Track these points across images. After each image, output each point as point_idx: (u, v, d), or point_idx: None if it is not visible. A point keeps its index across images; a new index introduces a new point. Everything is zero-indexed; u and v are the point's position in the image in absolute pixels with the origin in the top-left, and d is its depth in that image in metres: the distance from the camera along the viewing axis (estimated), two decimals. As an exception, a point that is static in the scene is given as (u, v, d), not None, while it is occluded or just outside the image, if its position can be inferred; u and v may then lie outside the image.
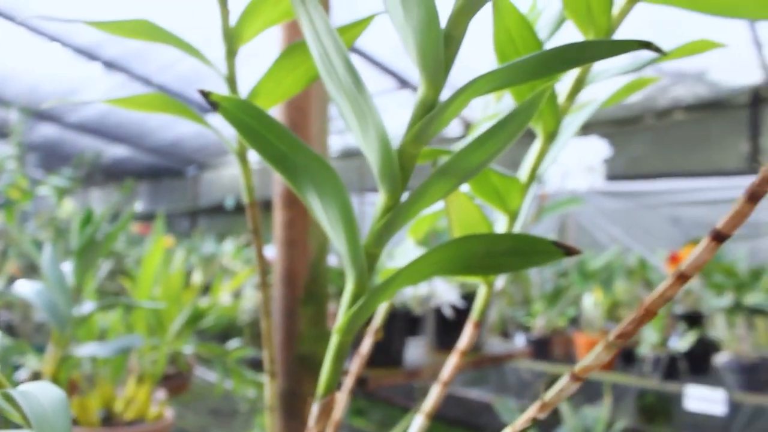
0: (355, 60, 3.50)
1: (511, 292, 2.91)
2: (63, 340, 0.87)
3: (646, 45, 0.26)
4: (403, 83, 3.87)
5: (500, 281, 1.26)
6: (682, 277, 0.24)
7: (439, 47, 0.25)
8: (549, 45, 0.49)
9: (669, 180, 4.06)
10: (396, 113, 4.72)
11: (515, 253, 0.30)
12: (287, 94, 0.38)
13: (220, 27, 0.38)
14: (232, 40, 0.38)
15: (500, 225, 0.40)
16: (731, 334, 2.17)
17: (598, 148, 1.31)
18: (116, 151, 6.67)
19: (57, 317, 0.82)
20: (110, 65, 4.14)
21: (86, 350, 0.86)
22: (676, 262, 2.27)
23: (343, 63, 0.26)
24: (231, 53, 0.38)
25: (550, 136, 0.37)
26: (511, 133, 0.28)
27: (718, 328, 2.28)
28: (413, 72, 3.45)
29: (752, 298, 2.15)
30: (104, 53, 3.96)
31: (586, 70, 0.36)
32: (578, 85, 0.36)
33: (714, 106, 4.13)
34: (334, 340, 0.33)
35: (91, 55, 3.99)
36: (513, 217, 0.39)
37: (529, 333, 2.68)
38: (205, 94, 0.29)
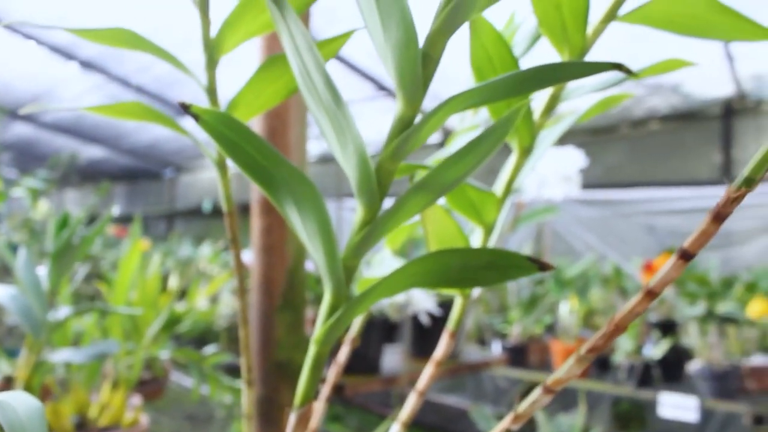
0: (335, 66, 3.51)
1: (488, 299, 2.93)
2: (37, 346, 0.86)
3: (618, 66, 0.27)
4: (382, 89, 3.88)
5: (477, 290, 1.27)
6: (651, 294, 0.25)
7: (417, 66, 0.25)
8: (527, 59, 0.50)
9: (644, 189, 4.11)
10: (375, 119, 4.73)
11: (491, 267, 0.30)
12: (267, 105, 0.39)
13: (201, 37, 0.38)
14: (213, 50, 0.38)
15: (476, 237, 0.40)
16: (703, 342, 2.20)
17: (575, 158, 1.33)
18: (92, 152, 6.59)
19: (31, 322, 0.81)
20: (87, 65, 4.10)
21: (61, 356, 0.85)
22: (650, 271, 2.30)
23: (322, 79, 0.27)
24: (211, 63, 0.38)
25: (526, 151, 0.38)
26: (486, 150, 0.28)
27: (691, 336, 2.32)
28: (393, 78, 3.45)
29: (724, 307, 2.19)
30: (81, 53, 3.92)
31: (560, 87, 0.37)
32: (553, 102, 0.37)
33: (688, 117, 4.20)
34: (311, 351, 0.33)
35: (67, 55, 3.95)
36: (489, 229, 0.40)
37: (505, 340, 2.70)
38: (186, 107, 0.29)
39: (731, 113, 4.04)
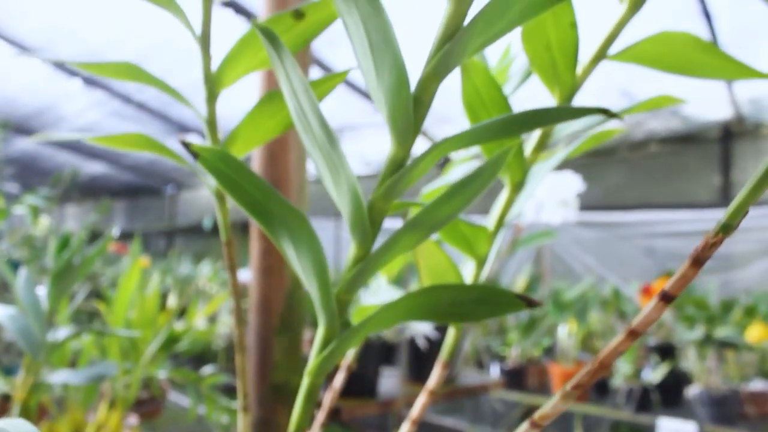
0: (340, 89, 3.53)
1: (486, 321, 2.93)
2: (35, 366, 0.86)
3: (603, 111, 0.28)
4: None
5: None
6: (634, 334, 0.26)
7: (409, 110, 0.26)
8: (521, 91, 0.51)
9: (643, 211, 4.12)
10: (379, 141, 4.76)
11: (481, 303, 0.31)
12: (265, 138, 0.40)
13: (202, 72, 0.39)
14: (213, 84, 0.39)
15: (469, 269, 0.41)
16: (702, 367, 2.20)
17: (572, 182, 1.33)
18: (94, 168, 6.62)
19: (30, 343, 0.82)
20: (90, 82, 4.13)
21: (59, 377, 0.85)
22: (649, 295, 2.30)
23: (317, 120, 0.28)
24: (212, 97, 0.39)
25: (517, 186, 0.39)
26: (476, 190, 0.29)
27: (689, 361, 2.32)
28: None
29: (722, 331, 2.18)
30: (84, 69, 3.95)
31: (550, 127, 0.38)
32: (544, 139, 0.38)
33: (687, 140, 4.22)
34: (305, 382, 0.34)
35: (70, 71, 3.98)
36: (481, 262, 0.41)
37: (503, 363, 2.69)
38: (186, 145, 0.30)
39: (730, 136, 4.07)
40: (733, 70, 0.41)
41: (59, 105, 4.65)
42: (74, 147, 5.87)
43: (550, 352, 2.78)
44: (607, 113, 0.28)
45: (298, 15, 0.34)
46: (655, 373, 2.30)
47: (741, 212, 0.23)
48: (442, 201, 0.29)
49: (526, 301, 0.30)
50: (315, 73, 3.40)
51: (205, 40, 0.38)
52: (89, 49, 3.65)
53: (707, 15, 2.78)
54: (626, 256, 4.07)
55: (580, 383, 0.27)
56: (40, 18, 3.34)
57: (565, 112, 0.29)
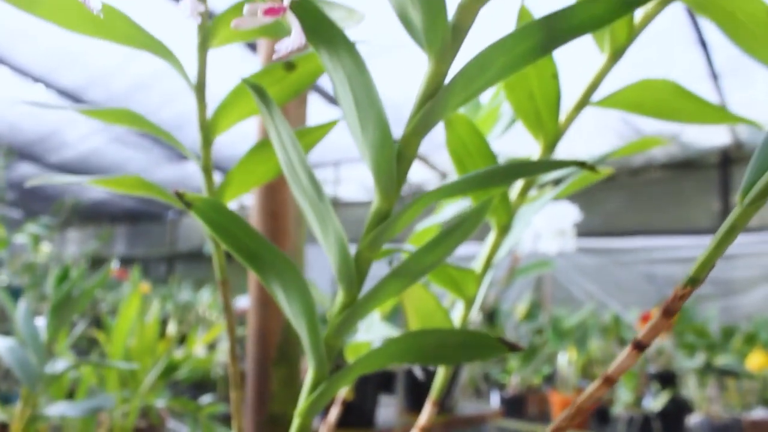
0: (334, 112, 3.55)
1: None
2: (33, 398, 0.87)
3: (580, 164, 0.29)
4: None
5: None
6: (609, 380, 0.27)
7: (392, 164, 0.28)
8: (511, 131, 0.52)
9: (643, 237, 4.13)
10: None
11: (464, 346, 0.32)
12: (259, 182, 0.41)
13: (197, 119, 0.40)
14: (208, 132, 0.40)
15: (458, 310, 0.42)
16: (702, 395, 2.19)
17: (569, 212, 1.35)
18: (95, 193, 6.64)
19: (28, 376, 0.82)
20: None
21: (56, 409, 0.85)
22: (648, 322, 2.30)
23: (305, 173, 0.29)
24: (207, 144, 0.41)
25: (504, 229, 0.40)
26: (459, 238, 0.31)
27: (690, 389, 2.31)
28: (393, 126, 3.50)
29: (723, 359, 2.18)
30: (88, 96, 3.99)
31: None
32: (529, 184, 0.39)
33: (686, 166, 4.24)
34: (296, 422, 0.35)
35: (74, 98, 4.02)
36: (470, 302, 0.42)
37: (504, 391, 2.68)
38: (180, 195, 0.31)
39: (728, 162, 4.09)
40: (712, 114, 0.43)
41: (62, 131, 4.69)
42: (77, 172, 5.90)
43: (550, 379, 2.77)
44: (584, 166, 0.29)
45: (290, 66, 0.35)
46: (655, 402, 2.29)
47: (707, 267, 0.24)
48: (426, 250, 0.30)
49: (507, 345, 0.31)
50: (315, 100, 3.43)
51: (200, 89, 0.39)
52: (92, 76, 3.69)
53: (703, 43, 2.82)
54: (627, 282, 4.07)
55: (559, 427, 0.28)
56: (44, 44, 3.38)
57: (545, 165, 0.30)
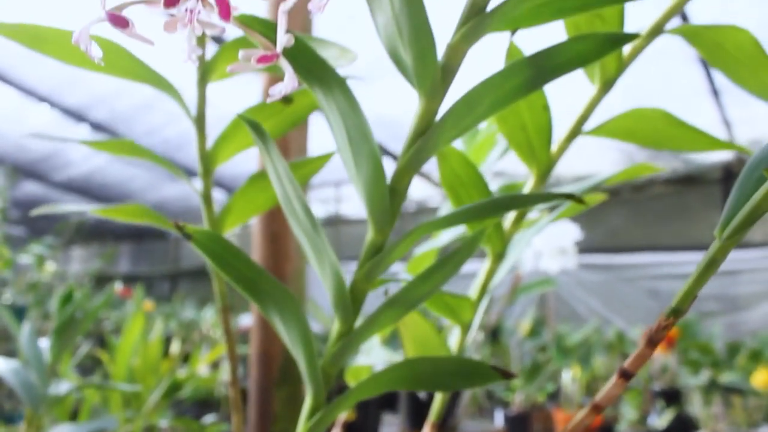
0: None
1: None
2: (36, 420, 0.87)
3: (569, 197, 0.30)
4: (381, 151, 3.94)
5: (477, 355, 1.28)
6: (597, 408, 0.27)
7: (385, 199, 0.29)
8: (507, 157, 0.53)
9: (647, 253, 4.12)
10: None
11: (458, 374, 0.33)
12: (258, 211, 0.42)
13: (197, 150, 0.41)
14: (208, 162, 0.41)
15: (455, 335, 0.43)
16: (708, 413, 2.18)
17: (569, 231, 1.35)
18: (100, 212, 6.65)
19: (32, 397, 0.83)
20: (98, 127, 4.20)
21: (60, 431, 0.86)
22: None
23: (301, 206, 0.30)
24: (207, 173, 0.42)
25: (499, 256, 0.41)
26: (453, 268, 0.31)
27: (695, 406, 2.29)
28: (392, 142, 3.51)
29: (728, 377, 2.17)
30: (92, 115, 4.02)
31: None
32: (522, 214, 0.40)
33: (689, 181, 4.24)
34: (293, 448, 0.36)
35: (79, 117, 4.04)
36: (466, 328, 0.42)
37: (507, 409, 2.66)
38: (180, 227, 0.32)
39: (731, 177, 4.09)
40: (702, 142, 0.44)
41: (67, 149, 4.72)
42: (82, 190, 5.93)
43: (554, 397, 2.76)
44: (574, 198, 0.30)
45: (287, 100, 0.37)
46: (660, 419, 2.27)
47: (689, 298, 0.25)
48: (421, 280, 0.31)
49: (500, 372, 0.32)
50: (318, 118, 3.44)
51: (200, 121, 0.40)
52: (97, 95, 3.72)
53: (704, 60, 2.83)
54: (630, 298, 4.06)
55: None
56: (49, 65, 3.41)
57: (534, 198, 0.31)
